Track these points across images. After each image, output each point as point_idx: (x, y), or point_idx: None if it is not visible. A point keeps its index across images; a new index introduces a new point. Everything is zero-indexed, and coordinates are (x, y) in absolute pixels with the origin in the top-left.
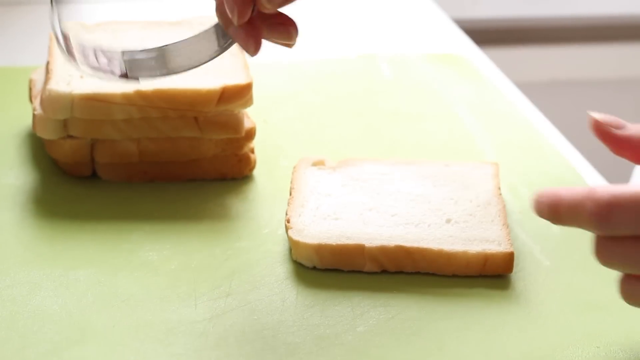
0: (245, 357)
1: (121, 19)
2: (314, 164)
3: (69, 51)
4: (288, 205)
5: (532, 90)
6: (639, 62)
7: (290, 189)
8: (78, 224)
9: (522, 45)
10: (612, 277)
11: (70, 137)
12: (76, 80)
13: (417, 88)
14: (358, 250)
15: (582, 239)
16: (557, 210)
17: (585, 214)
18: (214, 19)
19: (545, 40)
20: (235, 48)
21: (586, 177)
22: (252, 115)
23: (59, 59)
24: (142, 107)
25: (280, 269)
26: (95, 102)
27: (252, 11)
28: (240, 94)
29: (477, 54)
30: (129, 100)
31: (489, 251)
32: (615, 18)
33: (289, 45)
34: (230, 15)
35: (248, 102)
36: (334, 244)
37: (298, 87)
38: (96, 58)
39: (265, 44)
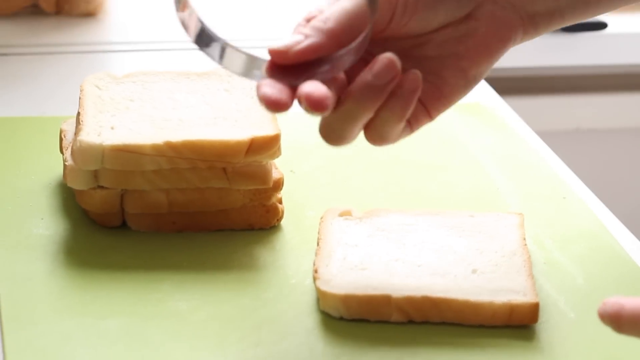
0: None
1: (150, 69)
2: (341, 215)
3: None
4: (315, 256)
5: (556, 139)
6: None
7: (318, 239)
8: (108, 274)
9: (545, 94)
10: None
11: (100, 187)
12: (106, 132)
13: (441, 138)
14: (385, 301)
15: (607, 293)
16: (619, 320)
17: None
18: None
19: (568, 90)
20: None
21: (610, 228)
22: (279, 166)
23: (89, 110)
24: (171, 158)
25: (307, 320)
26: (125, 154)
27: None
28: (268, 145)
29: (500, 103)
30: (158, 152)
31: (515, 302)
32: (639, 66)
33: None
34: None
35: (276, 153)
36: (361, 294)
37: None
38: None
39: None
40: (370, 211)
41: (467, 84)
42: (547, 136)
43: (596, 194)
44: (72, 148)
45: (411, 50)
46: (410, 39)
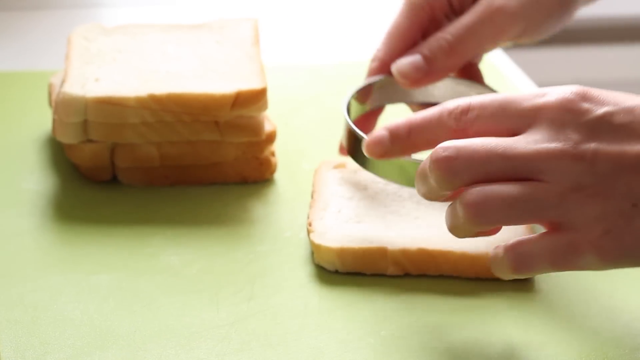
0: None
1: (141, 22)
2: (336, 167)
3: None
4: (310, 209)
5: None
6: None
7: (312, 192)
8: (99, 229)
9: (545, 46)
10: (637, 281)
11: (90, 141)
12: (91, 83)
13: None
14: (380, 254)
15: None
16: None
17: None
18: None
19: (568, 41)
20: (251, 50)
21: None
22: (272, 118)
23: (75, 61)
24: (155, 111)
25: (302, 273)
26: (108, 106)
27: None
28: (254, 99)
29: (500, 55)
30: (142, 104)
31: None
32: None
33: None
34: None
35: (262, 106)
36: (356, 247)
37: (318, 89)
38: None
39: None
40: None
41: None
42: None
43: None
44: (55, 100)
45: None
46: None
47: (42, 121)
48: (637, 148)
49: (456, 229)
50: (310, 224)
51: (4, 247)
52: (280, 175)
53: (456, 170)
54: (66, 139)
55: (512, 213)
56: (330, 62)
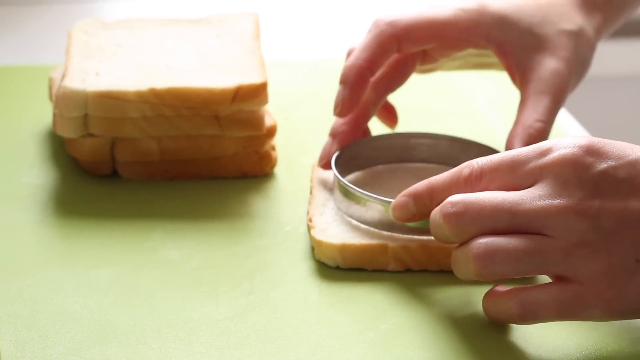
0: (267, 355)
1: (141, 16)
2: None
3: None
4: (309, 205)
5: None
6: None
7: (310, 187)
8: (99, 223)
9: None
10: None
11: (90, 135)
12: (91, 78)
13: (440, 84)
14: (382, 250)
15: None
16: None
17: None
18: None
19: None
20: (252, 44)
21: None
22: (273, 113)
23: (75, 56)
24: (155, 105)
25: (302, 267)
26: (109, 100)
27: None
28: (255, 93)
29: None
30: (142, 98)
31: None
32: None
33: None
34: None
35: (263, 101)
36: (357, 243)
37: (319, 84)
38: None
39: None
40: None
41: None
42: None
43: None
44: (56, 94)
45: None
46: None
47: (43, 115)
48: None
49: (463, 276)
50: (310, 220)
51: (3, 241)
52: (280, 170)
53: (464, 225)
54: (66, 133)
55: (518, 266)
56: (331, 57)
